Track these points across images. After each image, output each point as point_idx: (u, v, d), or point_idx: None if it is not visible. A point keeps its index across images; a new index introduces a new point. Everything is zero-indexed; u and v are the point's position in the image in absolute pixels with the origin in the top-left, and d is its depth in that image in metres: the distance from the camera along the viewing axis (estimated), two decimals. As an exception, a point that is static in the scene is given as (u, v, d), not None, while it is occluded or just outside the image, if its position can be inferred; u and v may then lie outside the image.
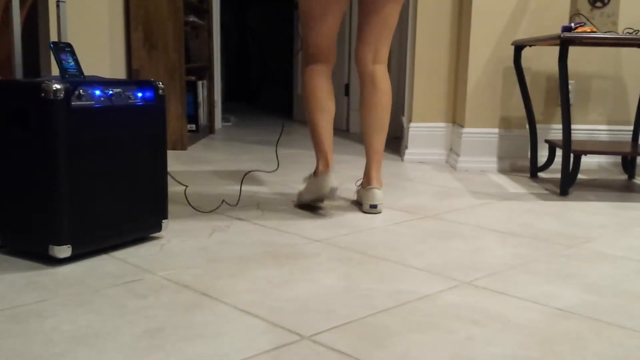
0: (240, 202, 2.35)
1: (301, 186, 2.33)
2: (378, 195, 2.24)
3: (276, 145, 3.74)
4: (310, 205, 2.30)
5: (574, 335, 1.26)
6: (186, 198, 2.39)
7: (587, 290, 1.51)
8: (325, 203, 2.34)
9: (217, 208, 2.25)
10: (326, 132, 2.24)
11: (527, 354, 1.17)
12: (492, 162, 3.20)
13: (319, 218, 2.15)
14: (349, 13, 4.77)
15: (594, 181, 2.94)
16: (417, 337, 1.23)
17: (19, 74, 1.82)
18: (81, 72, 1.75)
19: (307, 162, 3.31)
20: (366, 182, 2.30)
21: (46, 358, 1.12)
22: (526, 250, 1.83)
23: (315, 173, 2.25)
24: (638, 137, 3.10)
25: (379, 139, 2.29)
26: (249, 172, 2.77)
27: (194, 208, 2.24)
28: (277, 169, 2.71)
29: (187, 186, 2.59)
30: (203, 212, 2.19)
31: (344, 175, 2.97)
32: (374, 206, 2.24)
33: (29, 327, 1.25)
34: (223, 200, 2.35)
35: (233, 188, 2.61)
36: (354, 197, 2.47)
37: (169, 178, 2.56)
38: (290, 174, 2.95)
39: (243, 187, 2.62)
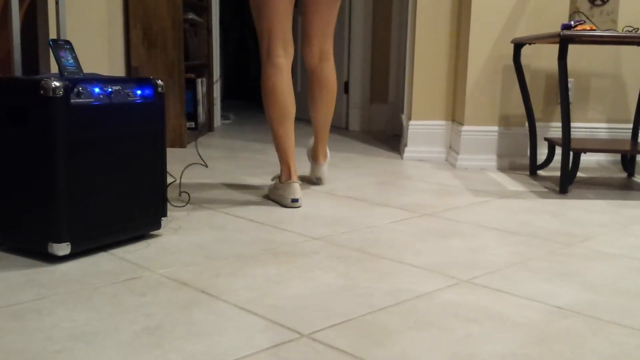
0: (240, 201, 2.35)
1: (271, 183, 2.46)
2: (323, 169, 2.63)
3: (196, 148, 3.74)
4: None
5: (572, 334, 1.26)
6: (180, 189, 2.39)
7: (586, 289, 1.51)
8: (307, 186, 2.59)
9: (187, 203, 2.25)
10: (288, 141, 2.32)
11: (525, 352, 1.17)
12: (491, 160, 3.20)
13: (318, 216, 2.15)
14: (343, 9, 4.77)
15: (593, 179, 2.94)
16: (415, 335, 1.23)
17: (18, 71, 1.82)
18: (80, 70, 1.75)
19: (301, 160, 3.31)
20: (314, 157, 2.63)
21: (45, 355, 1.12)
22: (525, 248, 1.83)
23: (281, 179, 2.32)
24: (637, 135, 3.10)
25: (326, 115, 2.52)
26: (189, 165, 2.86)
27: (172, 205, 2.24)
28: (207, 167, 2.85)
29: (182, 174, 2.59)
30: (176, 206, 2.19)
31: (344, 173, 2.97)
32: (318, 178, 2.64)
33: (27, 325, 1.25)
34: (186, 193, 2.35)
35: (226, 185, 2.61)
36: (346, 192, 2.53)
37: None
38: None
39: (242, 188, 2.62)
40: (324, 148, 2.60)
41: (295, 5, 2.31)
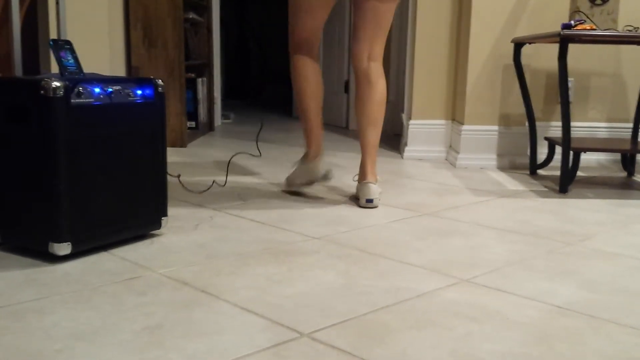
0: (240, 200, 2.35)
1: (291, 170, 2.43)
2: (373, 189, 2.27)
3: (257, 139, 3.83)
4: (297, 190, 2.45)
5: (572, 332, 1.26)
6: (180, 182, 2.39)
7: (586, 288, 1.52)
8: (314, 188, 2.49)
9: (208, 188, 2.25)
10: (316, 118, 2.34)
11: (525, 351, 1.18)
12: (491, 160, 3.20)
13: (319, 215, 2.15)
14: (343, 9, 4.77)
15: (593, 178, 2.94)
16: (416, 334, 1.24)
17: (18, 71, 1.82)
18: (81, 70, 1.75)
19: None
20: (362, 176, 2.33)
21: (46, 354, 1.12)
22: (525, 247, 1.84)
23: (306, 158, 2.33)
24: (637, 135, 3.10)
25: (374, 133, 2.33)
26: (236, 154, 2.84)
27: (187, 189, 2.24)
28: (260, 155, 2.80)
29: (179, 175, 2.59)
30: (193, 191, 2.20)
31: (343, 171, 2.97)
32: (369, 200, 2.27)
33: (28, 324, 1.25)
34: (214, 181, 2.39)
35: (228, 180, 2.61)
36: (354, 192, 2.48)
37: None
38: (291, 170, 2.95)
39: (243, 186, 2.62)
40: (372, 164, 2.34)
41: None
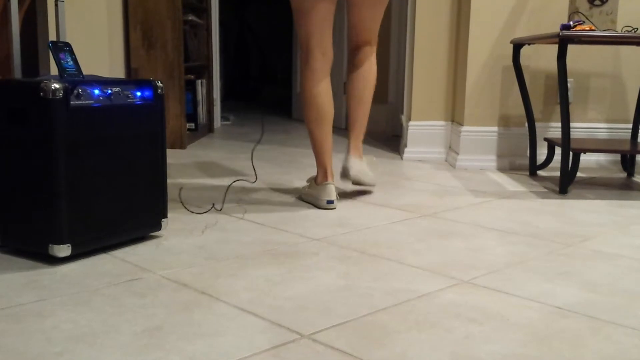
0: (240, 200, 2.35)
1: (305, 185, 2.41)
2: (356, 162, 2.40)
3: (251, 155, 3.51)
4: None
5: (572, 334, 1.26)
6: (181, 200, 2.39)
7: (586, 289, 1.52)
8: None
9: (208, 211, 2.25)
10: (327, 142, 2.31)
11: (525, 352, 1.17)
12: (491, 161, 3.20)
13: (319, 217, 2.15)
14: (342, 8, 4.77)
15: (593, 179, 2.94)
16: (416, 336, 1.24)
17: (17, 73, 1.82)
18: (80, 72, 1.75)
19: (305, 162, 3.31)
20: (348, 151, 2.44)
21: (46, 357, 1.12)
22: (525, 248, 1.84)
23: (316, 180, 2.33)
24: (637, 135, 3.10)
25: (362, 110, 2.43)
26: (235, 180, 2.77)
27: (187, 209, 2.24)
28: (255, 181, 2.71)
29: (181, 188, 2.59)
30: (195, 212, 2.20)
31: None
32: (347, 169, 2.40)
33: (28, 326, 1.25)
34: (213, 205, 2.35)
35: (229, 189, 2.61)
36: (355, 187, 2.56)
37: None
38: (291, 172, 2.95)
39: (243, 184, 2.62)
40: (357, 142, 2.47)
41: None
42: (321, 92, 2.27)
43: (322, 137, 2.30)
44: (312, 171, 2.99)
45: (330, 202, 2.25)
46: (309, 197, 2.33)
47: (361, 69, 2.41)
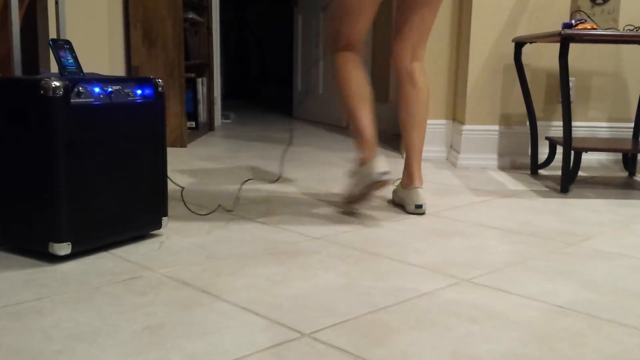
0: (241, 199, 2.35)
1: (346, 183, 2.21)
2: (422, 194, 2.20)
3: (283, 156, 3.41)
4: (354, 209, 2.25)
5: (572, 333, 1.26)
6: (183, 201, 2.39)
7: (586, 288, 1.51)
8: (368, 206, 2.30)
9: (213, 212, 2.25)
10: (367, 118, 2.13)
11: (526, 351, 1.17)
12: (492, 159, 3.20)
13: (319, 215, 2.15)
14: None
15: (594, 178, 2.94)
16: (416, 334, 1.23)
17: (17, 71, 1.82)
18: (80, 70, 1.75)
19: (305, 161, 3.31)
20: (408, 181, 2.23)
21: (46, 355, 1.12)
22: (526, 247, 1.83)
23: (359, 163, 2.13)
24: (638, 135, 3.09)
25: (420, 135, 2.24)
26: (248, 180, 2.74)
27: (191, 210, 2.24)
28: (278, 179, 2.65)
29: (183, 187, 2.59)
30: (200, 214, 2.19)
31: (343, 171, 2.97)
32: (419, 206, 2.18)
33: (28, 325, 1.25)
34: (219, 205, 2.34)
35: (232, 188, 2.61)
36: (394, 197, 2.38)
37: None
38: (293, 172, 2.95)
39: (244, 185, 2.62)
40: (419, 167, 2.26)
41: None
42: (358, 74, 2.14)
43: (360, 112, 2.12)
44: (312, 170, 2.99)
45: (387, 172, 2.03)
46: (358, 185, 2.10)
47: (416, 88, 2.23)
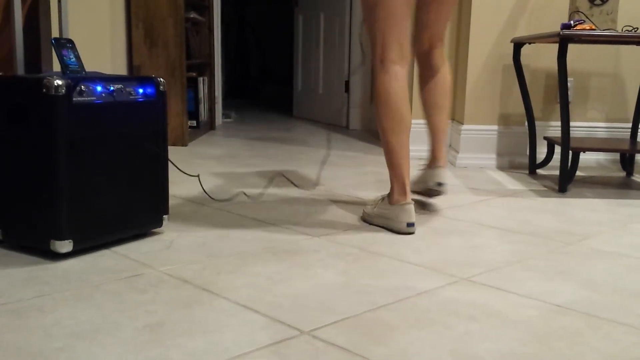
0: (241, 199, 2.36)
1: (369, 207, 2.11)
2: (445, 174, 2.19)
3: (324, 162, 3.25)
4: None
5: (571, 332, 1.27)
6: (201, 185, 2.40)
7: (585, 287, 1.52)
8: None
9: (233, 197, 2.25)
10: (403, 153, 2.00)
11: (525, 350, 1.18)
12: (491, 159, 3.20)
13: (319, 215, 2.16)
14: (343, 8, 4.78)
15: (592, 178, 2.95)
16: (415, 333, 1.24)
17: (20, 69, 1.82)
18: (82, 68, 1.75)
19: (305, 160, 3.31)
20: (432, 162, 2.24)
21: (46, 353, 1.13)
22: (524, 246, 1.84)
23: (391, 199, 2.01)
24: (636, 135, 3.10)
25: (442, 118, 2.24)
26: (279, 174, 2.72)
27: (211, 197, 2.25)
28: (313, 187, 2.56)
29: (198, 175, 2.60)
30: (217, 200, 2.20)
31: (344, 171, 2.97)
32: (440, 184, 2.17)
33: (29, 322, 1.25)
34: (242, 191, 2.34)
35: (243, 183, 2.61)
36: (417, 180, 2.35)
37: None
38: (292, 169, 2.96)
39: (244, 185, 2.63)
40: (444, 149, 2.25)
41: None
42: (400, 97, 1.98)
43: (400, 147, 1.99)
44: (312, 170, 3.00)
45: (411, 224, 1.95)
46: (381, 220, 2.02)
47: (439, 75, 2.22)
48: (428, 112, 2.25)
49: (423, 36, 2.22)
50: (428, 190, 2.24)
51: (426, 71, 2.24)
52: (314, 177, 2.80)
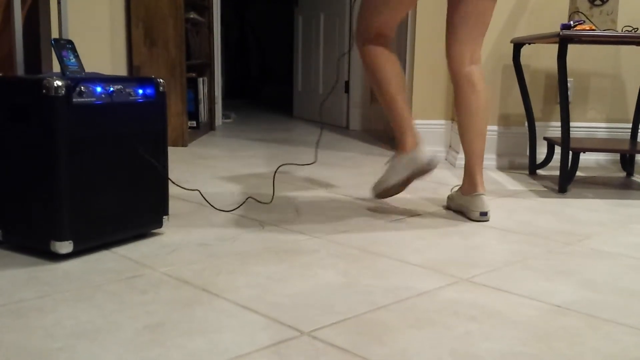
0: (241, 200, 2.36)
1: (381, 174, 2.16)
2: (487, 201, 2.13)
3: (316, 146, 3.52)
4: (389, 193, 2.25)
5: (571, 332, 1.27)
6: (203, 197, 2.40)
7: (585, 287, 1.52)
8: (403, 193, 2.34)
9: (240, 206, 2.26)
10: (406, 106, 2.13)
11: (524, 350, 1.18)
12: (491, 160, 3.20)
13: (319, 214, 2.16)
14: (343, 8, 4.78)
15: (592, 178, 2.95)
16: (415, 333, 1.24)
17: (20, 70, 1.83)
18: (82, 69, 1.75)
19: (305, 159, 3.32)
20: (471, 188, 2.16)
21: (47, 353, 1.13)
22: (524, 247, 1.84)
23: (402, 150, 2.11)
24: (636, 135, 3.10)
25: (481, 142, 2.17)
26: (282, 165, 2.74)
27: (216, 208, 2.25)
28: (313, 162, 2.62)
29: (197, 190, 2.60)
30: (224, 211, 2.20)
31: (345, 172, 2.98)
32: (484, 214, 2.12)
33: (30, 322, 1.25)
34: (248, 197, 2.35)
35: (238, 187, 2.62)
36: (450, 203, 2.31)
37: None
38: (293, 172, 2.96)
39: (243, 185, 2.63)
40: (481, 173, 2.18)
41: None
42: (390, 58, 2.12)
43: (401, 97, 2.11)
44: (312, 169, 3.00)
45: (434, 159, 2.04)
46: (401, 173, 2.14)
47: (475, 93, 2.12)
48: (465, 135, 2.17)
49: (458, 51, 2.14)
50: (469, 218, 2.16)
51: (463, 91, 2.14)
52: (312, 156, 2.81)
